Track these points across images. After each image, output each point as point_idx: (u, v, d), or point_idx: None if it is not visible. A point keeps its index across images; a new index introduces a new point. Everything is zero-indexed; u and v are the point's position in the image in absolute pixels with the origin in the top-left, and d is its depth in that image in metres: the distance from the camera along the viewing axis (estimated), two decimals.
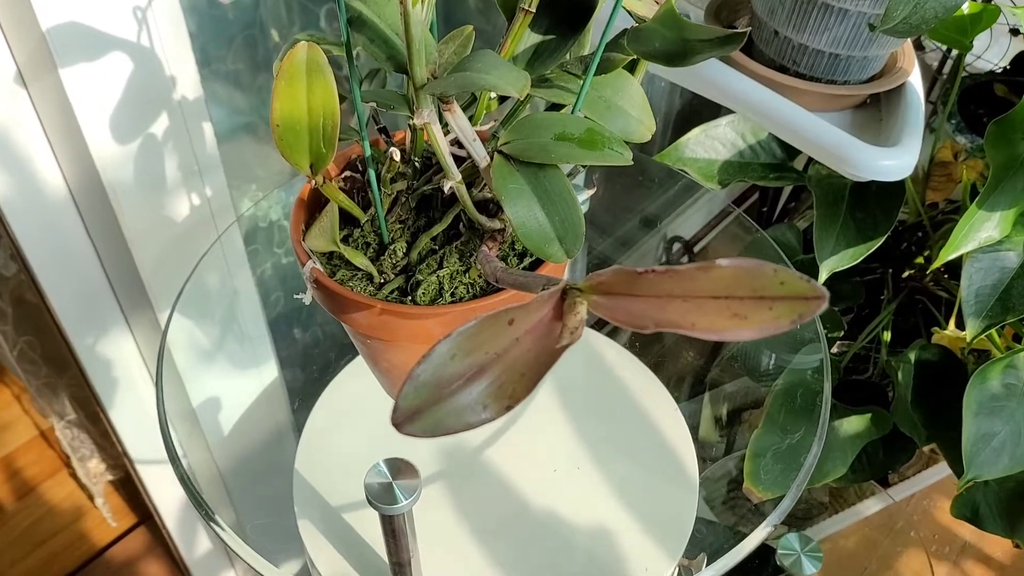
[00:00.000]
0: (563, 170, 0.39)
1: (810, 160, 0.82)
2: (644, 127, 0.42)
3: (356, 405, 0.67)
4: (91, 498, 1.07)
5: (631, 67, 0.43)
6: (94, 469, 1.03)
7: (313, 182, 0.40)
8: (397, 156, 0.40)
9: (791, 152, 0.80)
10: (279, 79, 0.37)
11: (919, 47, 1.39)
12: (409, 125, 0.43)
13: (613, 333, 0.79)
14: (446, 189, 0.38)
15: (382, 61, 0.38)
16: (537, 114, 0.39)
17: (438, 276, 0.41)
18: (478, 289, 0.42)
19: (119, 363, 0.76)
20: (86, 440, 1.00)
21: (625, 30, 0.41)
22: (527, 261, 0.43)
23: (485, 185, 0.42)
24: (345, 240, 0.44)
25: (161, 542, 1.06)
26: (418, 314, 0.40)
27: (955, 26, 0.73)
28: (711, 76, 0.60)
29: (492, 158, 0.38)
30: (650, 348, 0.76)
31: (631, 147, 0.39)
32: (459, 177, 0.39)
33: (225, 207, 0.66)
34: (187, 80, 0.57)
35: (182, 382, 0.71)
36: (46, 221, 0.61)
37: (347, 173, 0.47)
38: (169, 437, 0.53)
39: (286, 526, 0.62)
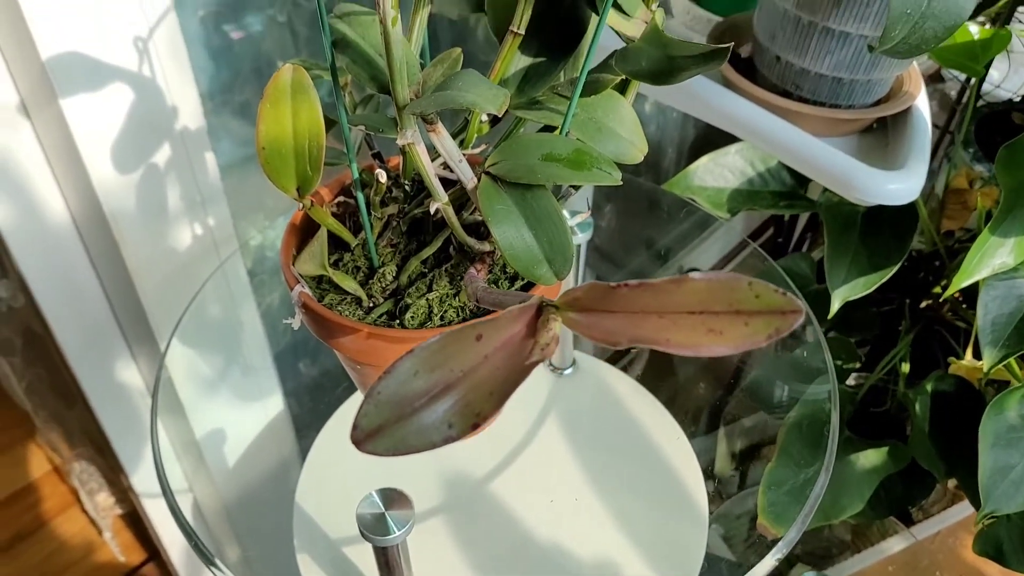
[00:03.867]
0: (552, 191, 0.38)
1: (823, 188, 0.81)
2: (636, 149, 0.41)
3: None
4: (100, 532, 1.06)
5: (623, 89, 0.42)
6: (103, 503, 1.03)
7: (301, 205, 0.40)
8: (383, 178, 0.39)
9: (801, 180, 0.79)
10: (264, 101, 0.37)
11: (939, 79, 1.38)
12: (400, 149, 0.43)
13: (628, 367, 0.77)
14: (432, 210, 0.38)
15: (365, 81, 0.38)
16: (525, 135, 0.39)
17: (427, 299, 0.41)
18: (468, 313, 0.41)
19: (124, 395, 0.76)
20: (95, 473, 1.00)
21: (615, 51, 0.40)
22: (519, 284, 0.43)
23: (476, 208, 0.42)
24: (335, 265, 0.44)
25: None
26: (405, 338, 0.39)
27: (965, 52, 0.72)
28: (714, 102, 0.59)
29: (479, 180, 0.38)
30: (664, 382, 0.74)
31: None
32: (445, 198, 0.38)
33: (228, 237, 0.66)
34: (189, 110, 0.58)
35: (185, 414, 0.71)
36: (50, 250, 0.61)
37: (341, 198, 0.47)
38: (162, 470, 0.53)
39: (292, 560, 0.61)
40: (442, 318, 0.41)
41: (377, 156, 0.47)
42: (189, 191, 0.61)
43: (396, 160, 0.47)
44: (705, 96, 0.59)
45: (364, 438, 0.24)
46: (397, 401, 0.24)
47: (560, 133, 0.39)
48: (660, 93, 0.63)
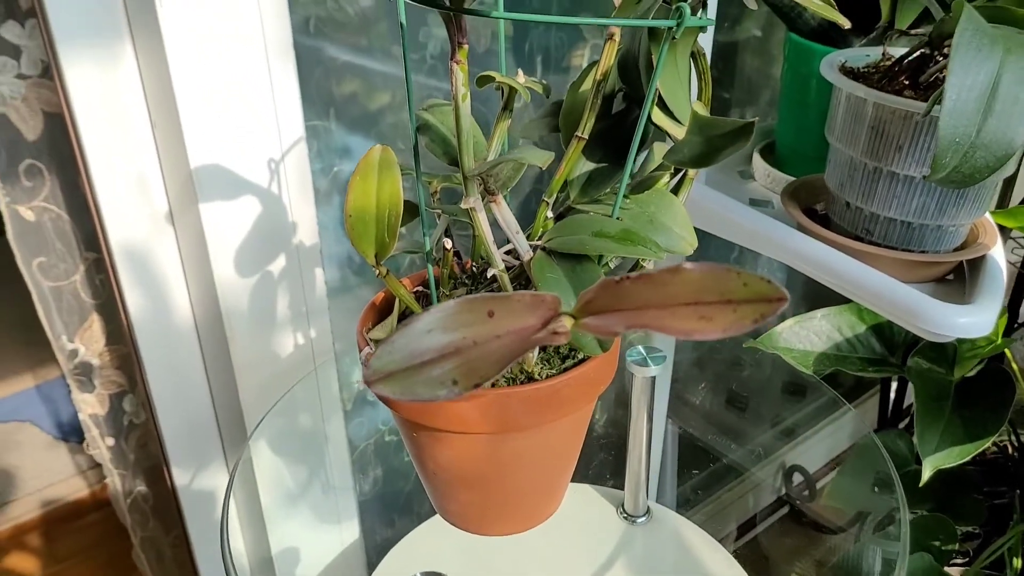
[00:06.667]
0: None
1: (913, 354, 0.79)
2: (685, 242, 0.44)
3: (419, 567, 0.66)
4: None
5: (677, 192, 0.46)
6: None
7: (377, 271, 0.45)
8: (449, 245, 0.44)
9: (891, 347, 0.78)
10: (355, 175, 0.43)
11: None
12: (472, 236, 0.48)
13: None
14: (489, 276, 0.42)
15: (439, 156, 0.44)
16: (579, 216, 0.43)
17: None
18: (518, 383, 0.43)
19: (215, 505, 0.79)
20: None
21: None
22: (569, 363, 0.45)
23: (533, 286, 0.45)
24: None
25: None
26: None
27: None
28: (788, 244, 0.62)
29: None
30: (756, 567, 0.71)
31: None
32: (502, 266, 0.42)
33: (326, 350, 0.71)
34: (306, 228, 0.66)
35: (264, 526, 0.73)
36: (171, 347, 0.68)
37: (419, 289, 0.51)
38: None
39: None
40: (493, 385, 0.43)
41: (456, 254, 0.52)
42: (296, 302, 0.67)
43: (470, 262, 0.52)
44: (780, 239, 0.63)
45: (376, 379, 0.26)
46: (410, 352, 0.27)
47: (612, 217, 0.43)
48: (741, 238, 0.66)
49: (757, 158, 0.75)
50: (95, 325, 0.81)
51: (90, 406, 0.86)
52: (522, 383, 0.44)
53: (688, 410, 0.96)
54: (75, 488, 1.40)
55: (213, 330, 0.67)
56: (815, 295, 1.24)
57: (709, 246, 1.14)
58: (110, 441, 0.90)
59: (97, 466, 1.40)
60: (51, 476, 1.43)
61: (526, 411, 0.42)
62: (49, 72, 0.66)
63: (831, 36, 0.68)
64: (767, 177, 0.73)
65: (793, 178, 0.70)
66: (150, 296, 0.66)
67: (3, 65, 0.68)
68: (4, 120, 0.70)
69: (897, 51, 0.60)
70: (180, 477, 0.77)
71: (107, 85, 0.58)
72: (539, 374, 0.43)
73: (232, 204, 0.61)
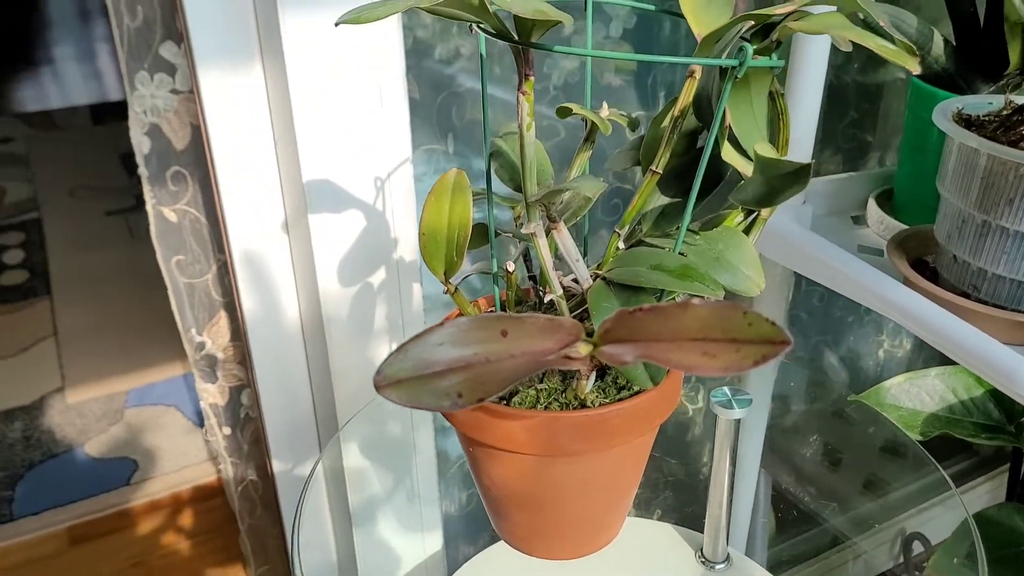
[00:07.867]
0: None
1: None
2: (752, 283, 0.44)
3: None
4: None
5: (749, 231, 0.45)
6: None
7: (446, 289, 0.46)
8: (511, 267, 0.45)
9: (1009, 415, 0.73)
10: (430, 195, 0.45)
11: None
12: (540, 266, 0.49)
13: None
14: (546, 300, 0.43)
15: (505, 181, 0.45)
16: (643, 248, 0.43)
17: (536, 389, 0.45)
18: (571, 409, 0.44)
19: (312, 501, 0.83)
20: None
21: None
22: (625, 394, 0.45)
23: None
24: None
25: None
26: (505, 413, 0.43)
27: None
28: (890, 296, 0.59)
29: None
30: None
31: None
32: (560, 291, 0.43)
33: None
34: (407, 244, 0.69)
35: (351, 525, 0.76)
36: (279, 348, 0.73)
37: (491, 310, 0.53)
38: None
39: None
40: (546, 408, 0.44)
41: (532, 279, 0.53)
42: (394, 314, 0.70)
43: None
44: (881, 290, 0.60)
45: (386, 384, 0.28)
46: (420, 362, 0.28)
47: (673, 251, 0.43)
48: (843, 286, 0.64)
49: (872, 204, 0.72)
50: (222, 321, 0.88)
51: (211, 395, 0.93)
52: (574, 409, 0.44)
53: (792, 467, 0.93)
54: (205, 472, 1.50)
55: (316, 335, 0.71)
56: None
57: (836, 299, 1.10)
58: (227, 430, 0.96)
59: None
60: (186, 459, 1.54)
61: (574, 437, 0.43)
62: None
63: (956, 82, 0.65)
64: (880, 224, 0.70)
65: (907, 227, 0.67)
66: (264, 300, 0.71)
67: (160, 81, 0.75)
68: (156, 130, 0.77)
69: (1022, 99, 0.57)
70: (280, 470, 0.81)
71: (237, 102, 0.64)
72: (592, 402, 0.44)
73: (339, 217, 0.65)
